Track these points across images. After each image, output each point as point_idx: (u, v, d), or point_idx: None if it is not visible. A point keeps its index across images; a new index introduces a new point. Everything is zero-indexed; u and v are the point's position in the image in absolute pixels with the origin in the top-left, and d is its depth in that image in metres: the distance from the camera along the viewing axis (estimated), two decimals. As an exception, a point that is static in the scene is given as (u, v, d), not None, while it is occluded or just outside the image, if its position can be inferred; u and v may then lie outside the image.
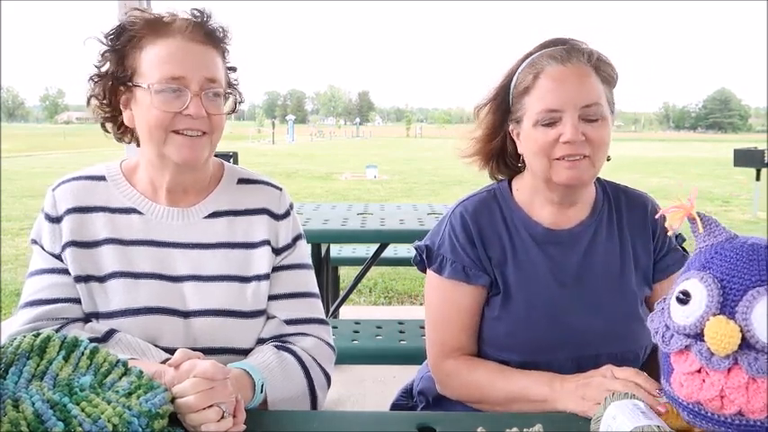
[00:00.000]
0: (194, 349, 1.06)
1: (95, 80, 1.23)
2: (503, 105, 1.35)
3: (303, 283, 1.33)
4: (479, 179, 1.46)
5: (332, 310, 3.28)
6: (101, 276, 1.21)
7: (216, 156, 1.33)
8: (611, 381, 1.12)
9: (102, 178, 1.28)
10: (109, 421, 0.84)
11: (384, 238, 2.88)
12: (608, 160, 1.31)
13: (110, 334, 1.17)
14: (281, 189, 1.36)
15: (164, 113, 1.16)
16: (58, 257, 1.22)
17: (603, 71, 1.27)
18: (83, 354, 0.97)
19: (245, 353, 1.23)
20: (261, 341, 1.26)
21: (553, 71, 1.24)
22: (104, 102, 1.24)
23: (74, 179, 1.27)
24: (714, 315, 0.82)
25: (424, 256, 1.37)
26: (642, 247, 1.35)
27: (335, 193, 12.82)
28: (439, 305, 1.35)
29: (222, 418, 0.94)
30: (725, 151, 22.96)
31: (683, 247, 1.39)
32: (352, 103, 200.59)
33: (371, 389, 3.22)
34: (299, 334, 1.27)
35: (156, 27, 1.18)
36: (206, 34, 1.20)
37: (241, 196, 1.32)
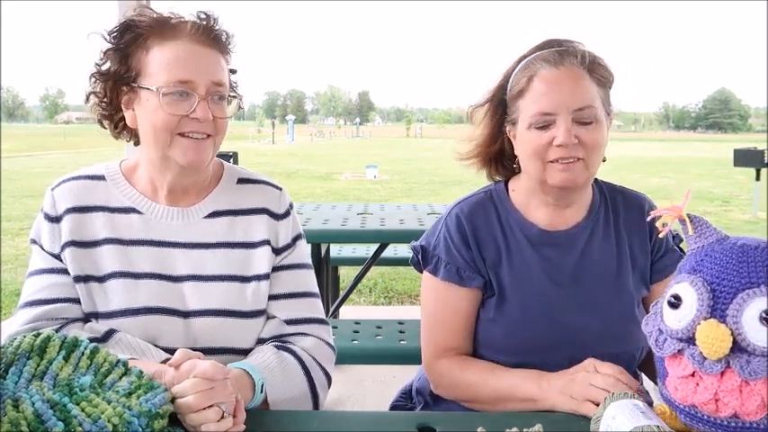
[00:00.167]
0: (194, 349, 1.06)
1: (96, 78, 1.23)
2: (500, 108, 1.35)
3: (303, 282, 1.33)
4: (479, 179, 1.46)
5: (332, 310, 3.28)
6: (100, 276, 1.21)
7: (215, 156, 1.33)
8: (594, 375, 1.12)
9: (102, 178, 1.28)
10: (109, 421, 0.84)
11: (384, 238, 2.88)
12: (603, 161, 1.31)
13: (109, 334, 1.17)
14: (280, 189, 1.36)
15: (170, 116, 1.16)
16: (58, 257, 1.22)
17: (597, 73, 1.26)
18: (83, 354, 0.97)
19: (245, 353, 1.23)
20: (261, 341, 1.26)
21: (546, 74, 1.24)
22: (104, 100, 1.24)
23: (73, 179, 1.27)
24: (705, 319, 0.82)
25: (420, 257, 1.37)
26: (639, 248, 1.35)
27: (335, 193, 12.82)
28: (433, 306, 1.36)
29: (222, 418, 0.94)
30: (725, 151, 22.96)
31: (680, 248, 1.39)
32: (352, 103, 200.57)
33: (371, 389, 3.23)
34: (299, 334, 1.27)
35: (163, 28, 1.18)
36: (213, 38, 1.20)
37: (241, 196, 1.32)
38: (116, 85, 1.21)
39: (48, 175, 13.89)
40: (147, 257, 1.23)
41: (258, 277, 1.27)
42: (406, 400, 1.55)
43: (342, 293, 3.45)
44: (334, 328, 2.51)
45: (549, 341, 1.27)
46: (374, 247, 3.25)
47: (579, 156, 1.23)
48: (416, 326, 2.54)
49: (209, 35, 1.20)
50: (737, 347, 0.80)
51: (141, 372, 0.97)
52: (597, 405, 1.08)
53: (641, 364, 1.37)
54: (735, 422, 0.81)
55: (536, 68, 1.26)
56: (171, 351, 1.10)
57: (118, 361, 0.98)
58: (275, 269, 1.30)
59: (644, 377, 1.41)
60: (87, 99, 1.26)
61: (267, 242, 1.29)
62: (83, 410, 0.85)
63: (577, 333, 1.27)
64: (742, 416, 0.80)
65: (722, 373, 0.81)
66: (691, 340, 0.83)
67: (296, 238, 1.34)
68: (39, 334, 0.97)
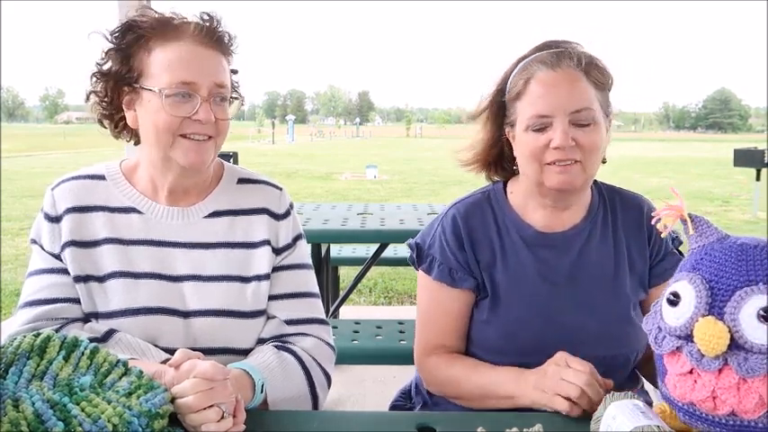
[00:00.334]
0: (194, 349, 1.06)
1: (97, 77, 1.23)
2: (500, 111, 1.35)
3: (303, 283, 1.33)
4: (479, 180, 1.46)
5: (332, 310, 3.29)
6: (100, 276, 1.21)
7: (215, 156, 1.33)
8: (565, 369, 1.12)
9: (102, 177, 1.28)
10: (109, 421, 0.84)
11: (384, 238, 2.88)
12: (603, 162, 1.30)
13: (109, 334, 1.17)
14: (281, 189, 1.36)
15: (173, 117, 1.16)
16: (58, 257, 1.22)
17: (594, 75, 1.25)
18: (83, 354, 0.97)
19: (245, 353, 1.23)
20: (261, 341, 1.26)
21: (543, 76, 1.24)
22: (105, 99, 1.24)
23: (73, 178, 1.27)
24: (703, 316, 0.82)
25: (416, 254, 1.37)
26: (637, 250, 1.35)
27: (335, 193, 12.82)
28: (426, 304, 1.37)
29: (222, 418, 0.94)
30: (725, 151, 22.96)
31: (679, 251, 1.38)
32: (352, 103, 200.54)
33: (371, 389, 3.23)
34: (300, 334, 1.27)
35: (165, 29, 1.18)
36: (216, 39, 1.20)
37: (241, 196, 1.32)
38: (117, 85, 1.21)
39: (48, 175, 13.90)
40: (147, 257, 1.23)
41: (258, 277, 1.27)
42: (405, 400, 1.56)
43: (342, 293, 3.45)
44: (334, 328, 2.51)
45: (544, 342, 1.26)
46: (374, 247, 3.25)
47: (576, 158, 1.22)
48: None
49: (213, 37, 1.19)
50: (735, 345, 0.80)
51: (141, 372, 0.97)
52: (567, 400, 1.08)
53: (641, 366, 1.37)
54: (733, 420, 0.81)
55: (533, 71, 1.25)
56: (171, 351, 1.10)
57: (118, 361, 0.98)
58: (275, 269, 1.30)
59: (644, 379, 1.41)
60: (88, 98, 1.26)
61: (267, 242, 1.29)
62: (83, 410, 0.85)
63: (574, 333, 1.27)
64: (740, 413, 0.80)
65: (720, 371, 0.81)
66: (689, 337, 0.83)
67: (296, 239, 1.34)
68: (39, 334, 0.97)
